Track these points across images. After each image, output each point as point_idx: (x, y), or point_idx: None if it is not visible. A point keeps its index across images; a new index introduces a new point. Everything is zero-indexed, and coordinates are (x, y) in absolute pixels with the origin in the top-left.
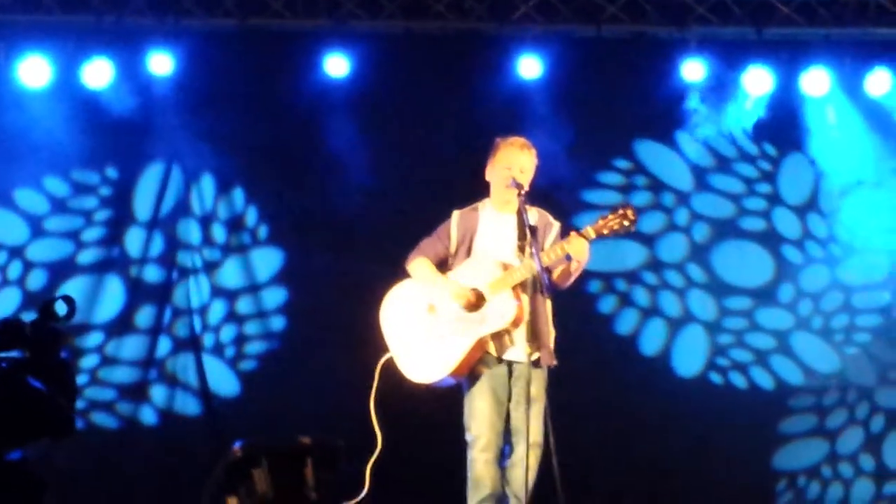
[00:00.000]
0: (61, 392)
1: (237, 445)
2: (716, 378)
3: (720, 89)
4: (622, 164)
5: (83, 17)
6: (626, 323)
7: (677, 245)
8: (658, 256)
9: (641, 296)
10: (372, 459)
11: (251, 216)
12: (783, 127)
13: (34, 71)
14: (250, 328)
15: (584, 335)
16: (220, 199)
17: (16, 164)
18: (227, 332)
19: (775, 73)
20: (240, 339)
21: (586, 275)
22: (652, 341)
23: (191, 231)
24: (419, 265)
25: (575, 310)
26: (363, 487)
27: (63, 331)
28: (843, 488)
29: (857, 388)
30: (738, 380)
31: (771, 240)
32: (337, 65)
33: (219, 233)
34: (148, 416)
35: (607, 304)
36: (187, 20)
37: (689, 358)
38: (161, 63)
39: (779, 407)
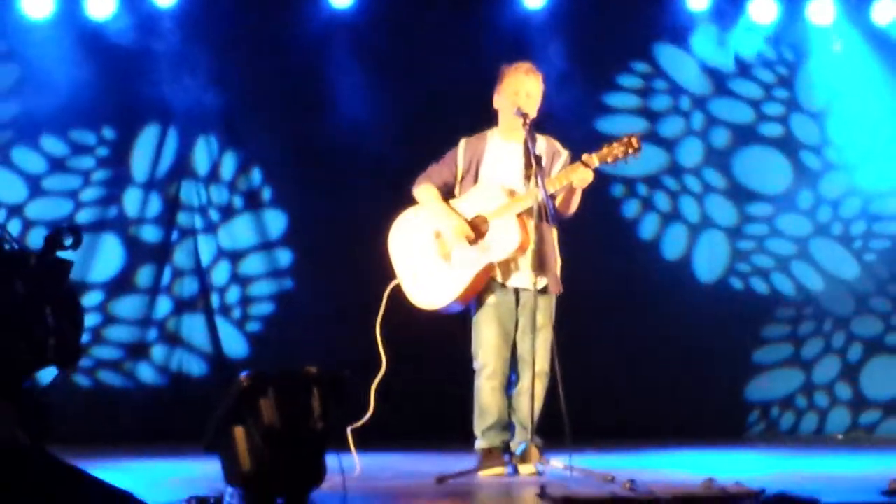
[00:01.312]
0: (68, 321)
1: (243, 375)
2: (737, 284)
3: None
4: (629, 81)
5: None
6: (649, 227)
7: (695, 150)
8: (678, 161)
9: (663, 201)
10: (376, 381)
11: (255, 174)
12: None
13: (37, 1)
14: (257, 287)
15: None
16: (224, 153)
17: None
18: (233, 293)
19: (780, 3)
20: (245, 299)
21: (609, 178)
22: (673, 246)
23: (192, 191)
24: (425, 192)
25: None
26: (368, 410)
27: (68, 260)
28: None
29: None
30: (760, 285)
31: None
32: None
33: (220, 192)
34: (150, 375)
35: (630, 209)
36: None
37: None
38: None
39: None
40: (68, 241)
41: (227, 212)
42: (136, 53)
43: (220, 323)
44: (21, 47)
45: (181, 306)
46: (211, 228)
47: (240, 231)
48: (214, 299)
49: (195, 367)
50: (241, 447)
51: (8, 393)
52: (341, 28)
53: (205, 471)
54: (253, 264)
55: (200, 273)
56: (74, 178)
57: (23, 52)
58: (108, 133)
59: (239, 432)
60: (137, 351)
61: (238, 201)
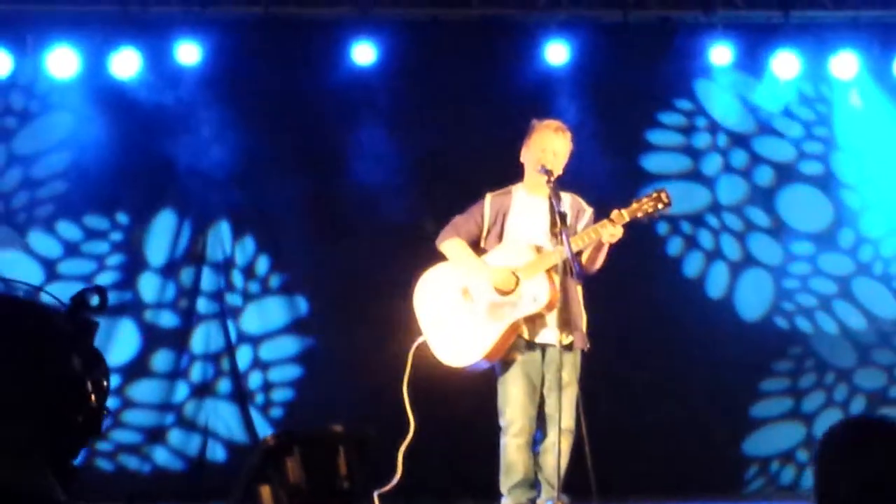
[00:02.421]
0: (94, 385)
1: (269, 434)
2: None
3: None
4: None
5: (109, 7)
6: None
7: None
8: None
9: (706, 238)
10: (405, 444)
11: (263, 262)
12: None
13: (62, 61)
14: (278, 368)
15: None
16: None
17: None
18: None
19: (803, 57)
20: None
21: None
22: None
23: (210, 276)
24: (455, 246)
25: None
26: (396, 473)
27: (95, 321)
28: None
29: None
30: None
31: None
32: (364, 53)
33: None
34: (167, 459)
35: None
36: (213, 9)
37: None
38: (188, 53)
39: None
40: (94, 302)
41: (245, 293)
42: (153, 112)
43: (241, 407)
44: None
45: (202, 390)
46: (230, 312)
47: (259, 309)
48: (240, 383)
49: (218, 452)
50: None
51: (58, 463)
52: (365, 86)
53: None
54: (272, 340)
55: (231, 356)
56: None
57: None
58: (122, 218)
59: (265, 492)
60: (155, 436)
61: (254, 283)
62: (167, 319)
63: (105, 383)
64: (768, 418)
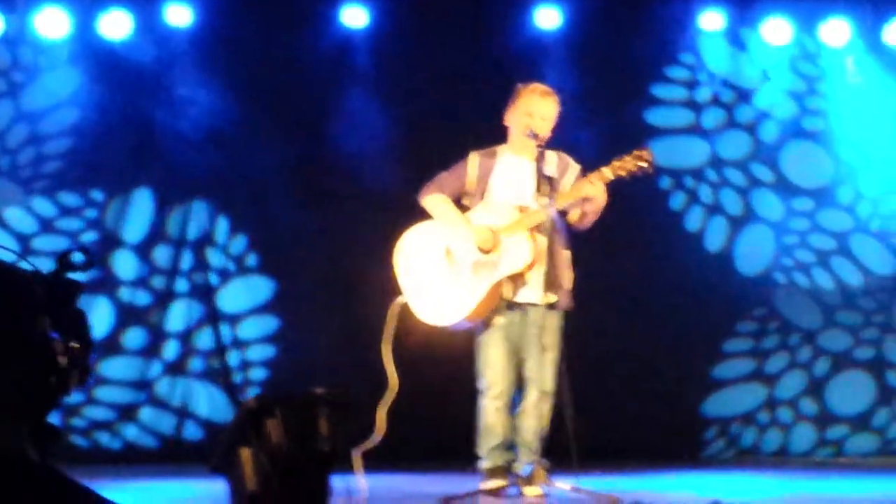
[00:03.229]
0: (78, 342)
1: (251, 397)
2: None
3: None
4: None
5: None
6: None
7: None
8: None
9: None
10: (385, 403)
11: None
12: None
13: (52, 22)
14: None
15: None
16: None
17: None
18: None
19: (795, 24)
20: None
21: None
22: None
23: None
24: (438, 201)
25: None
26: (376, 432)
27: (79, 281)
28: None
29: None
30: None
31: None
32: (354, 16)
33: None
34: (140, 437)
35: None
36: None
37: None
38: (179, 14)
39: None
40: (80, 261)
41: (224, 269)
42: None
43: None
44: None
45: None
46: (210, 285)
47: (240, 282)
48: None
49: (193, 430)
50: (248, 468)
51: (31, 423)
52: (355, 47)
53: (212, 491)
54: (253, 314)
55: (214, 326)
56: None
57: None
58: (97, 195)
59: (245, 454)
60: (129, 413)
61: (232, 259)
62: (141, 297)
63: (79, 344)
64: (730, 379)
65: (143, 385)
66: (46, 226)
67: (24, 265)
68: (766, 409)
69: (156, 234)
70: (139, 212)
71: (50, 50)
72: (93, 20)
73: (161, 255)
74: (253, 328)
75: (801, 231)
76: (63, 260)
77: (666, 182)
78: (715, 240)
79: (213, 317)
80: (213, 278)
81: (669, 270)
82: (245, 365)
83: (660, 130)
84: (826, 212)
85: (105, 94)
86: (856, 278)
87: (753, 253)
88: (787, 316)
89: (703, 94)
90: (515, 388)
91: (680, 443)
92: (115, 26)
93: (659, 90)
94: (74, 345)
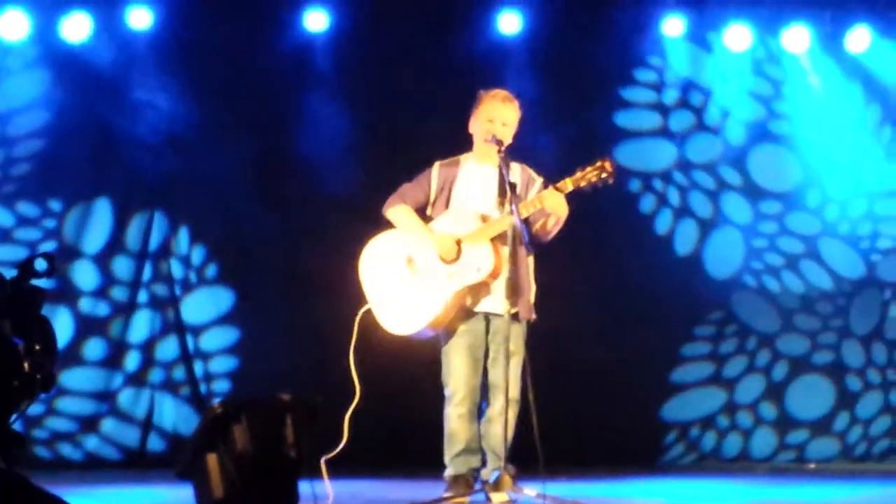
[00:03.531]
0: (42, 348)
1: (216, 402)
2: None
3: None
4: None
5: None
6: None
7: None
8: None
9: (675, 196)
10: (350, 410)
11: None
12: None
13: (12, 24)
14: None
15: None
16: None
17: None
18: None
19: (755, 30)
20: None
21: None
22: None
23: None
24: (401, 212)
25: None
26: (342, 439)
27: (43, 288)
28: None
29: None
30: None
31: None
32: (316, 20)
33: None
34: (103, 448)
35: (647, 204)
36: None
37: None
38: (140, 17)
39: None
40: (42, 268)
41: (185, 280)
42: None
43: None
44: None
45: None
46: (171, 297)
47: (201, 292)
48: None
49: (157, 442)
50: (214, 474)
51: None
52: (316, 51)
53: (177, 497)
54: (215, 324)
55: (180, 336)
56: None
57: None
58: (55, 205)
59: (212, 459)
60: (91, 424)
61: (193, 270)
62: (102, 308)
63: (42, 348)
64: (688, 383)
65: (105, 396)
66: (4, 236)
67: None
68: (725, 413)
69: (115, 244)
70: (98, 221)
71: (9, 52)
72: (54, 22)
73: (121, 265)
74: (215, 338)
75: (770, 234)
76: (26, 266)
77: (636, 185)
78: (685, 243)
79: (178, 327)
80: (175, 289)
81: (634, 274)
82: (208, 376)
83: (627, 133)
84: (794, 215)
85: (65, 99)
86: (825, 282)
87: (723, 256)
88: (746, 320)
89: (669, 97)
90: (480, 395)
91: (641, 447)
92: (76, 29)
93: (626, 93)
94: (37, 348)
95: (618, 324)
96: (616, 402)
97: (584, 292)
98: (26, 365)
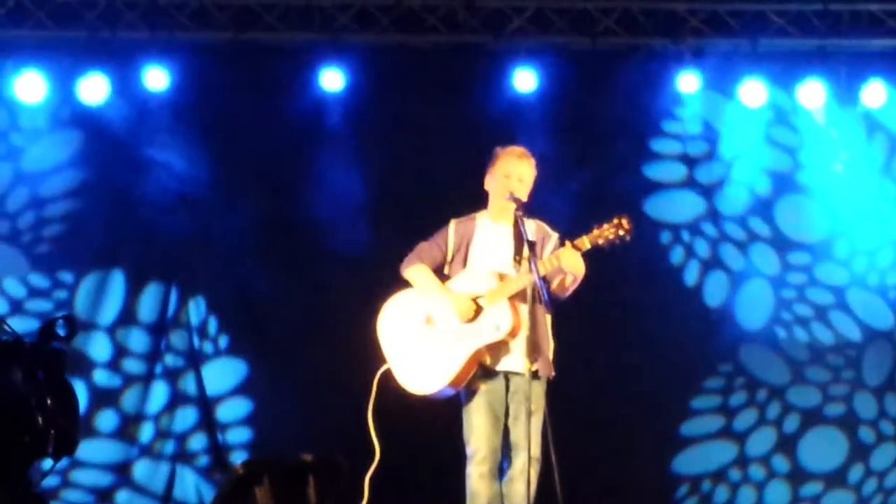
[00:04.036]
0: (63, 412)
1: (239, 463)
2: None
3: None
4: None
5: (78, 32)
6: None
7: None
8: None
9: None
10: (371, 471)
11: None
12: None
13: (30, 86)
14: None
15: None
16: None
17: None
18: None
19: (770, 86)
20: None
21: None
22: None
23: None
24: (419, 272)
25: None
26: (362, 500)
27: (64, 350)
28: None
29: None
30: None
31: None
32: (332, 79)
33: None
34: None
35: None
36: (181, 34)
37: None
38: (156, 78)
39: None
40: (63, 332)
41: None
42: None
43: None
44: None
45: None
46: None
47: (217, 363)
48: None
49: None
50: None
51: (5, 482)
52: (332, 109)
53: None
54: (232, 395)
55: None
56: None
57: None
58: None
59: None
60: (105, 496)
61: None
62: (115, 379)
63: (62, 408)
64: (698, 437)
65: (120, 468)
66: (16, 307)
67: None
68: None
69: (128, 316)
70: (111, 293)
71: (27, 114)
72: (71, 84)
73: (135, 337)
74: (233, 407)
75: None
76: (47, 329)
77: (666, 237)
78: (715, 295)
79: (197, 397)
80: (191, 358)
81: (658, 329)
82: (227, 445)
83: (653, 185)
84: (823, 266)
85: (82, 162)
86: (854, 333)
87: (752, 307)
88: (753, 371)
89: (694, 149)
90: (501, 454)
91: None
92: (93, 90)
93: (652, 145)
94: (49, 403)
95: (634, 377)
96: (637, 456)
97: (592, 349)
98: (39, 420)
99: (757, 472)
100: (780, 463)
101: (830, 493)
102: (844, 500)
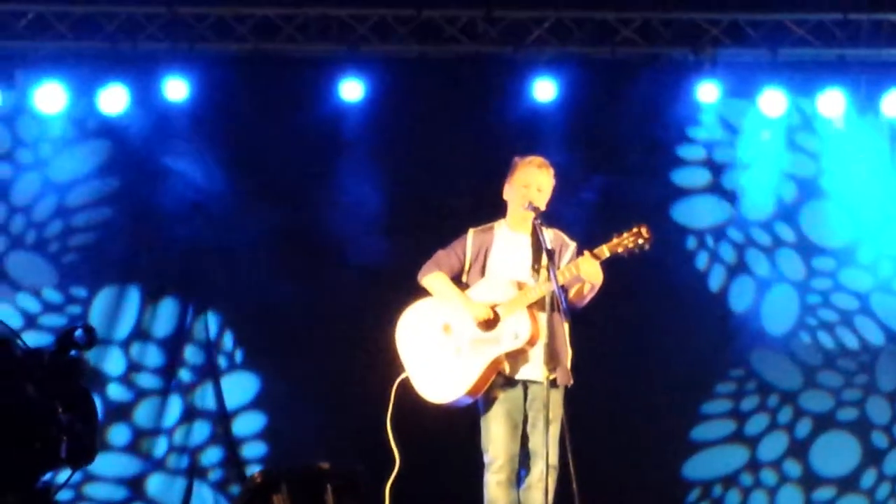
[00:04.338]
0: (81, 420)
1: (257, 472)
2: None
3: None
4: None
5: (98, 44)
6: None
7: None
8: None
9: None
10: (390, 480)
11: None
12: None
13: (50, 97)
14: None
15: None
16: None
17: None
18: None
19: (790, 95)
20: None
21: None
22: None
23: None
24: (437, 280)
25: None
26: None
27: (82, 359)
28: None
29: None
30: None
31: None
32: (352, 89)
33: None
34: None
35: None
36: (201, 45)
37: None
38: (176, 89)
39: None
40: (82, 341)
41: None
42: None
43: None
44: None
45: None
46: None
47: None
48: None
49: None
50: None
51: (19, 492)
52: (352, 121)
53: None
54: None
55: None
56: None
57: None
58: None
59: None
60: None
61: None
62: (128, 394)
63: (78, 416)
64: (709, 441)
65: (132, 482)
66: (31, 322)
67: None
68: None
69: (142, 331)
70: (127, 306)
71: (47, 125)
72: (92, 94)
73: (150, 351)
74: (250, 419)
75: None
76: (65, 338)
77: (691, 242)
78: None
79: (219, 411)
80: (209, 371)
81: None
82: (243, 458)
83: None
84: (847, 271)
85: (101, 174)
86: (878, 337)
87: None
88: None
89: (720, 156)
90: (519, 462)
91: None
92: (113, 101)
93: (677, 152)
94: (61, 410)
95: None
96: (647, 461)
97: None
98: (52, 428)
99: (769, 476)
100: (793, 467)
101: (843, 498)
102: None
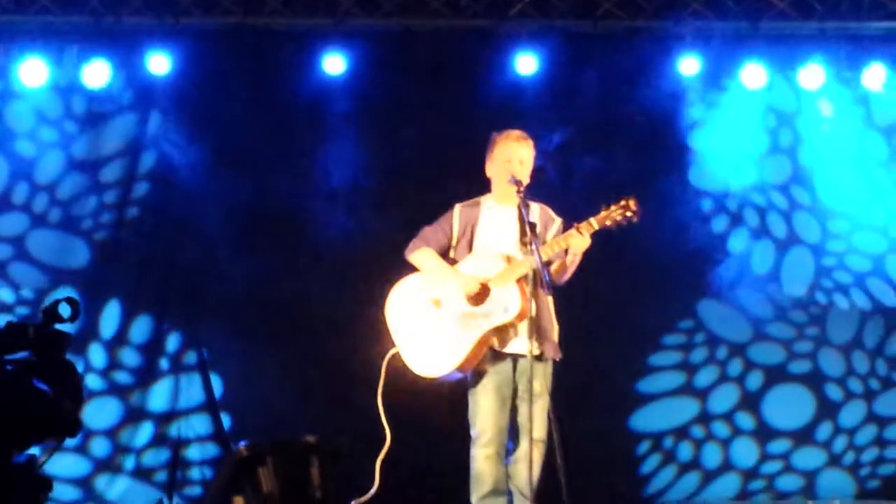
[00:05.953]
0: (66, 393)
1: (242, 444)
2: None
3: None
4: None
5: (81, 18)
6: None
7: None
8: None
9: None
10: (381, 455)
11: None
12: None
13: (33, 71)
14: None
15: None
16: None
17: None
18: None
19: (770, 68)
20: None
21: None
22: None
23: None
24: (425, 255)
25: None
26: (373, 484)
27: (66, 332)
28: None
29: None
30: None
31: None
32: (334, 63)
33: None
34: None
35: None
36: (186, 19)
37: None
38: (159, 63)
39: None
40: (66, 313)
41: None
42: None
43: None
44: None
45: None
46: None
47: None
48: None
49: None
50: None
51: (1, 466)
52: (335, 94)
53: None
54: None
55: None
56: None
57: None
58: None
59: (238, 502)
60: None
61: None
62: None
63: (64, 391)
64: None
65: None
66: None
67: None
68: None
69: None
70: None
71: (29, 100)
72: (76, 70)
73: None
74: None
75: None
76: (49, 311)
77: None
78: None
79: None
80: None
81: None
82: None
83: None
84: (861, 233)
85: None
86: (890, 299)
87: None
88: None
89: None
90: (507, 436)
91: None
92: (96, 76)
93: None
94: (42, 388)
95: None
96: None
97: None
98: (34, 401)
99: (721, 428)
100: (745, 420)
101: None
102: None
